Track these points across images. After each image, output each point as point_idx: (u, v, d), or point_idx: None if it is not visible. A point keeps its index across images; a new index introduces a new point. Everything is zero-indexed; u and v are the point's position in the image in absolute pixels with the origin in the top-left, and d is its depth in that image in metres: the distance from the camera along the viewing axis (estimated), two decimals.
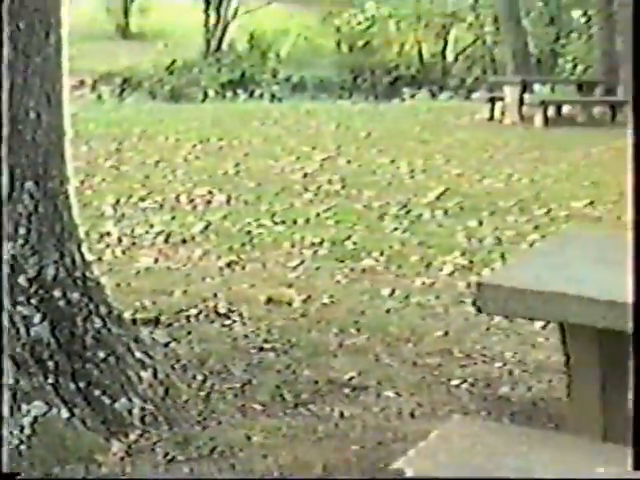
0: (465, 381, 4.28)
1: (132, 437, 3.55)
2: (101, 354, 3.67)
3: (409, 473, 2.57)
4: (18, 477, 3.21)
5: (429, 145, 12.71)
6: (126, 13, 32.11)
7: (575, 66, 23.89)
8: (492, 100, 16.46)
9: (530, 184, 9.64)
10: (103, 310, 3.79)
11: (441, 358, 4.57)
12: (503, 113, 15.98)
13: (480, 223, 7.68)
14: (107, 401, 3.61)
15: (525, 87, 16.13)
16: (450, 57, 28.13)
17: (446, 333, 4.92)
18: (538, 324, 4.79)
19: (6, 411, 3.29)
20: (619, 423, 3.13)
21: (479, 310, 2.97)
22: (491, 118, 16.19)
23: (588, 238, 4.10)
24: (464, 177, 10.02)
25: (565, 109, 16.53)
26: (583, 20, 24.68)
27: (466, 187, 9.43)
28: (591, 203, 8.54)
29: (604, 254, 3.46)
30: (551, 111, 15.77)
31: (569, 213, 8.17)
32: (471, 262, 6.37)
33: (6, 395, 3.34)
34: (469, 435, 2.79)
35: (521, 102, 15.74)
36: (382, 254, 6.61)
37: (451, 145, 12.75)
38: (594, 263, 3.28)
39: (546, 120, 15.32)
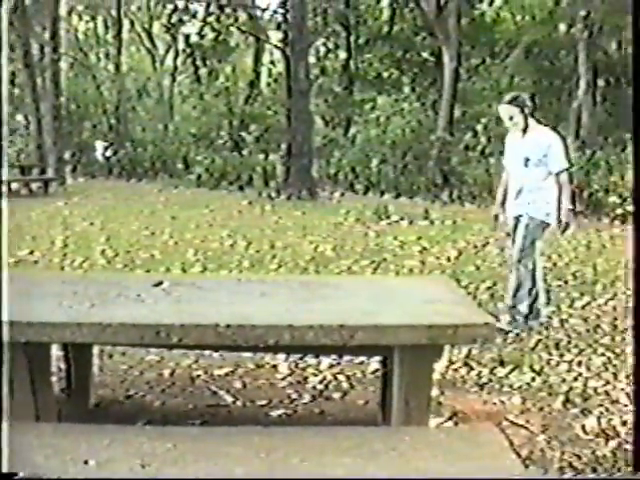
0: None
1: None
2: None
3: None
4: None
5: None
6: None
7: (19, 155, 22.98)
8: None
9: None
10: None
11: None
12: None
13: None
14: None
15: None
16: None
17: None
18: None
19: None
20: (49, 408, 3.07)
21: None
22: None
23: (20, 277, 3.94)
24: None
25: (14, 185, 15.89)
26: (24, 122, 23.75)
27: None
28: (31, 252, 8.28)
29: (30, 288, 3.36)
30: (4, 188, 15.07)
31: (18, 260, 7.84)
32: None
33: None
34: None
35: None
36: None
37: None
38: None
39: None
